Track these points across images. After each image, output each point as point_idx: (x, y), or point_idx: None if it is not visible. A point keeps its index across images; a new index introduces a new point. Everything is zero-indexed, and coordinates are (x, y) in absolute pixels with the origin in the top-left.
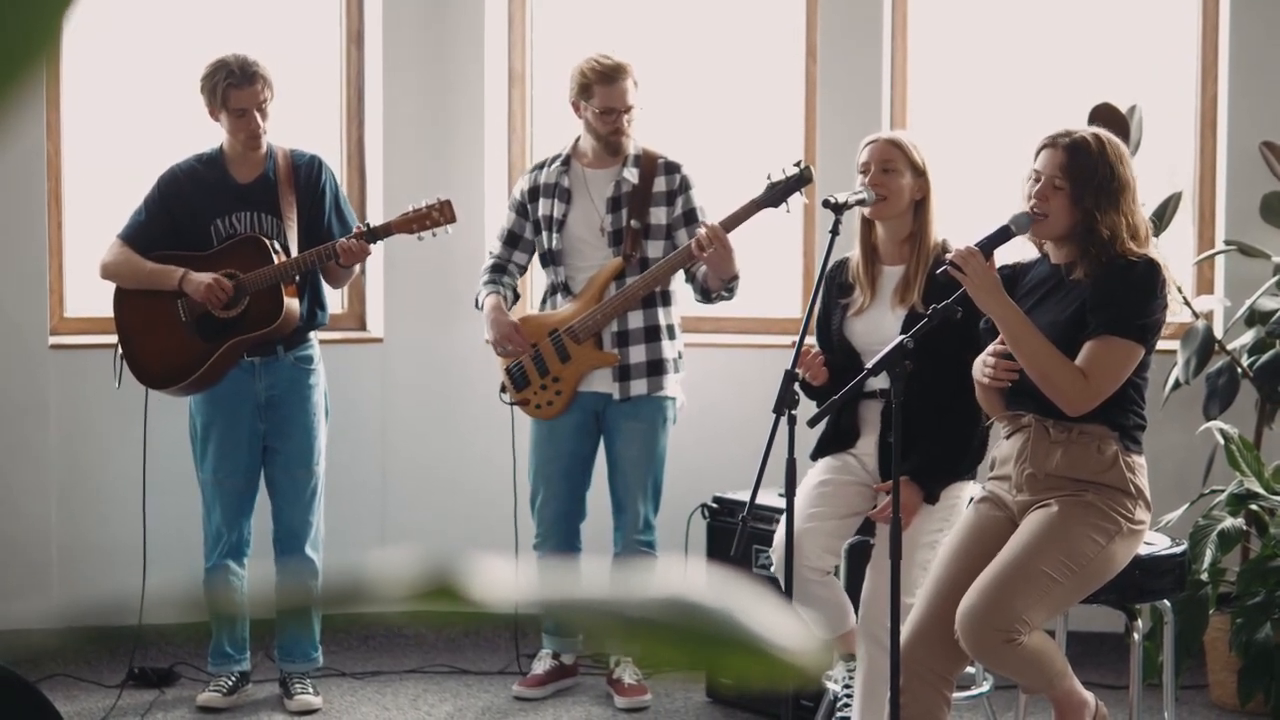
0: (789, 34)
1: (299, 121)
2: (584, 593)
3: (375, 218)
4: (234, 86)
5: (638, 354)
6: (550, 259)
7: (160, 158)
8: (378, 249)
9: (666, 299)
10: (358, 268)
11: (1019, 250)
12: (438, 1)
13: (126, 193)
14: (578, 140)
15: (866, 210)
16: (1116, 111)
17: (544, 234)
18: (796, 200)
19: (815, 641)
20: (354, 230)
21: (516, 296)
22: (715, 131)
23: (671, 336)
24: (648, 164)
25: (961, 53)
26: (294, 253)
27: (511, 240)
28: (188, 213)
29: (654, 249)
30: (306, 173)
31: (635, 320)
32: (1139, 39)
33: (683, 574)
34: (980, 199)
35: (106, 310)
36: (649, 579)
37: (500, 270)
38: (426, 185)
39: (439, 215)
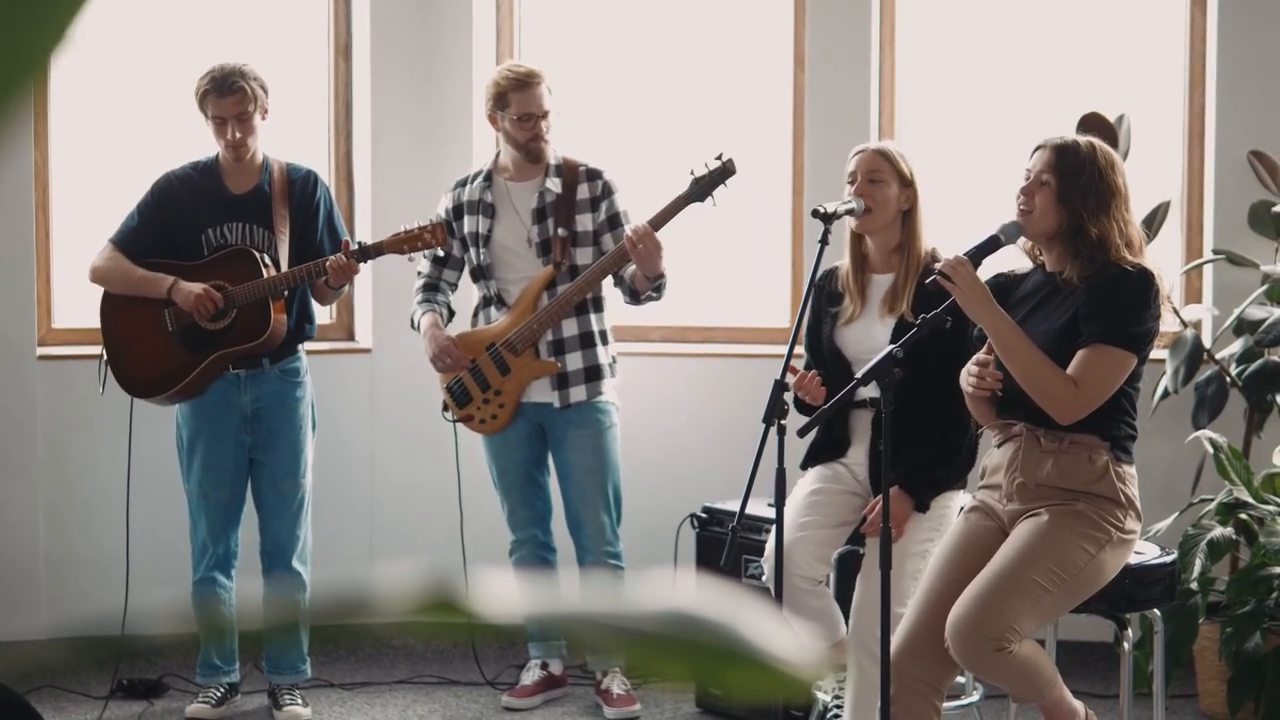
0: (777, 43)
1: (287, 134)
2: (584, 606)
3: (363, 230)
4: (212, 94)
5: (574, 361)
6: (480, 274)
7: (149, 167)
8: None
9: (598, 305)
10: (346, 288)
11: (1014, 261)
12: (426, 14)
13: (115, 202)
14: (498, 155)
15: (854, 222)
16: (1105, 121)
17: (471, 250)
18: (722, 193)
19: (814, 653)
20: (343, 245)
21: (452, 314)
22: (704, 141)
23: (605, 342)
24: (569, 172)
25: (950, 62)
26: (284, 267)
27: (439, 259)
28: (180, 220)
29: (582, 256)
30: (301, 187)
31: (570, 328)
32: (1127, 49)
33: (681, 587)
34: (969, 208)
35: (95, 321)
36: (649, 593)
37: (433, 289)
38: (414, 197)
39: (430, 237)
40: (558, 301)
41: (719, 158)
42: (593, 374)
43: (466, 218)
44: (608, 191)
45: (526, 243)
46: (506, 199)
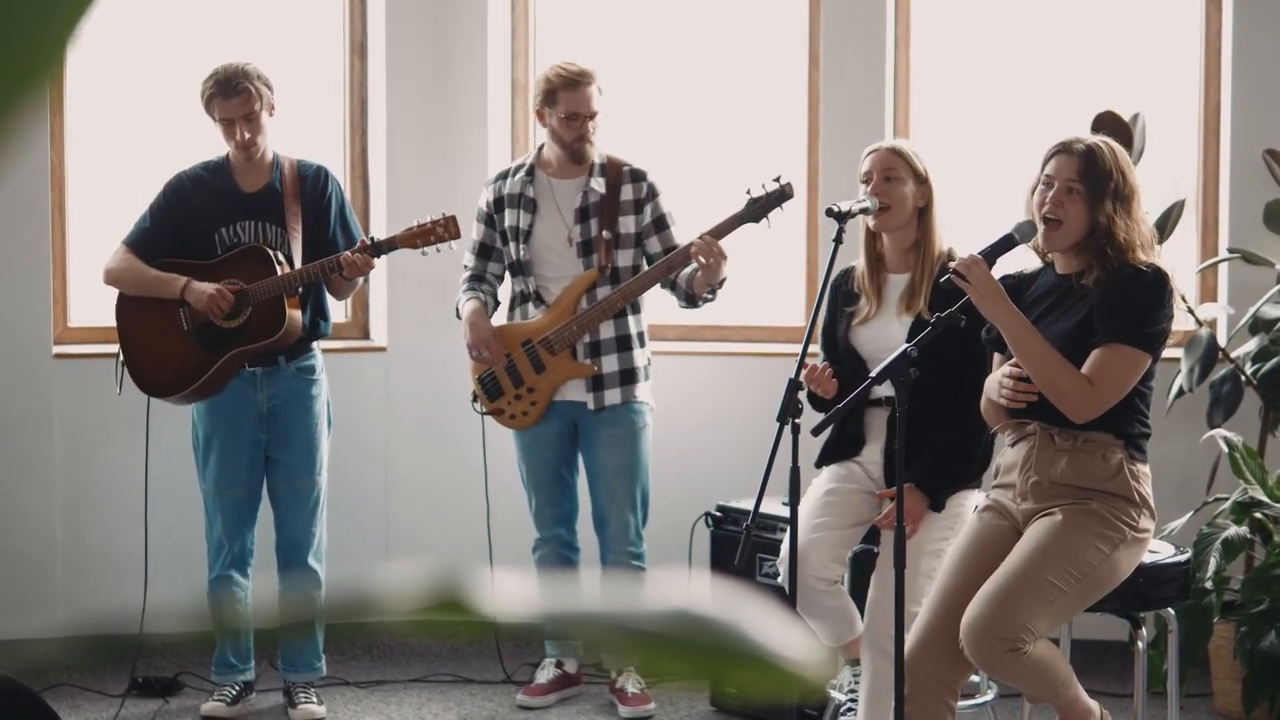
0: (792, 42)
1: (302, 132)
2: (587, 605)
3: (379, 228)
4: (218, 97)
5: (610, 363)
6: (519, 269)
7: (164, 167)
8: (381, 259)
9: (636, 307)
10: (361, 280)
11: (1023, 260)
12: (440, 12)
13: (130, 202)
14: (541, 149)
15: (870, 220)
16: (1120, 119)
17: (511, 244)
18: (777, 215)
19: (819, 651)
20: (358, 243)
21: (497, 304)
22: (719, 140)
23: (642, 344)
24: (613, 172)
25: (964, 60)
26: (298, 264)
27: (484, 251)
28: (192, 220)
29: (623, 258)
30: (312, 184)
31: (607, 330)
32: (1142, 47)
33: (685, 586)
34: (984, 207)
35: (110, 320)
36: (652, 592)
37: (479, 280)
38: (430, 196)
39: (443, 231)
40: (600, 306)
41: (777, 179)
42: (628, 377)
43: (507, 211)
44: (652, 194)
45: (567, 241)
46: (549, 195)
